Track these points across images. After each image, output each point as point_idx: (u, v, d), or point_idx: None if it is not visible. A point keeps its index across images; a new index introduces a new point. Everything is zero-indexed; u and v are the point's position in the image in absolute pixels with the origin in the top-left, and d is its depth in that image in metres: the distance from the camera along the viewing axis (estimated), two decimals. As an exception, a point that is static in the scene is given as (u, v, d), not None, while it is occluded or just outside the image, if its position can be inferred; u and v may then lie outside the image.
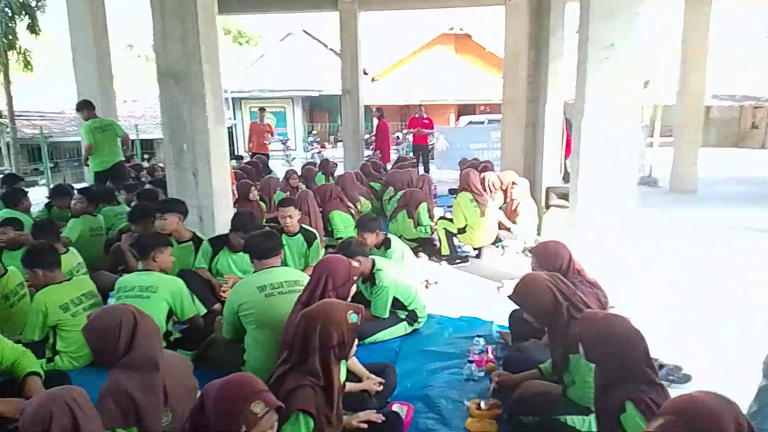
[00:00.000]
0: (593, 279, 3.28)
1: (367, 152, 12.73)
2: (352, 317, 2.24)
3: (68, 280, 3.50)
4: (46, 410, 1.68)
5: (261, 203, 6.82)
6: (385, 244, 4.49)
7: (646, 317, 2.21)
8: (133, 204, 5.68)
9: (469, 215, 5.65)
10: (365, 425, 2.41)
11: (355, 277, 2.99)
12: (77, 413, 1.69)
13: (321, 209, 6.30)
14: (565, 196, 5.91)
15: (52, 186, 6.35)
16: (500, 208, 6.49)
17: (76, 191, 5.68)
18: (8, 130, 14.27)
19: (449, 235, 5.76)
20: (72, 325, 3.34)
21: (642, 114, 6.48)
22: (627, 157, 4.20)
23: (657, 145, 12.10)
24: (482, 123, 17.12)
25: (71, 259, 4.13)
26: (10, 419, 2.36)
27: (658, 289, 4.74)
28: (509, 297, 2.79)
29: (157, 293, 3.34)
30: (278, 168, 10.52)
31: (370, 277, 3.80)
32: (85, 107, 7.50)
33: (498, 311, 4.28)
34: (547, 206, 6.56)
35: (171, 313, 3.44)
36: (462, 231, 5.74)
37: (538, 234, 6.34)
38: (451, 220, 5.86)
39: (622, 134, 4.14)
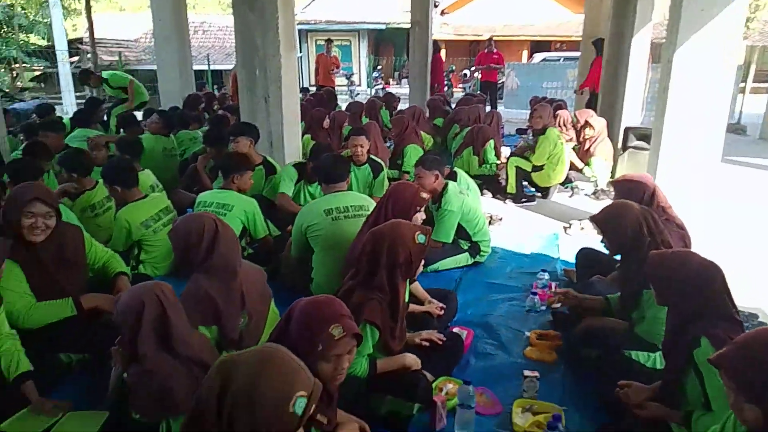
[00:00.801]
0: (680, 220, 3.11)
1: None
2: (420, 238, 2.26)
3: (145, 197, 3.67)
4: (138, 300, 1.83)
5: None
6: (451, 177, 4.44)
7: (727, 263, 2.08)
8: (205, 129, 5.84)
9: (554, 153, 5.47)
10: (427, 343, 2.47)
11: (420, 207, 2.97)
12: (166, 304, 1.83)
13: (395, 140, 6.28)
14: (645, 137, 5.59)
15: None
16: (573, 149, 6.23)
17: (154, 113, 5.89)
18: (89, 56, 14.86)
19: (519, 173, 5.60)
20: (153, 239, 3.55)
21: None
22: (719, 97, 3.90)
23: (749, 90, 11.10)
24: (557, 61, 16.18)
25: (147, 178, 4.30)
26: (103, 312, 2.59)
27: (741, 236, 4.49)
28: (591, 219, 2.68)
29: (232, 211, 3.50)
30: (342, 104, 10.46)
31: (438, 199, 3.79)
32: (91, 74, 8.33)
33: (564, 250, 4.21)
34: (625, 148, 6.23)
35: (244, 231, 3.60)
36: (538, 169, 5.56)
37: (612, 177, 6.08)
38: (524, 157, 5.67)
39: (715, 71, 3.82)
